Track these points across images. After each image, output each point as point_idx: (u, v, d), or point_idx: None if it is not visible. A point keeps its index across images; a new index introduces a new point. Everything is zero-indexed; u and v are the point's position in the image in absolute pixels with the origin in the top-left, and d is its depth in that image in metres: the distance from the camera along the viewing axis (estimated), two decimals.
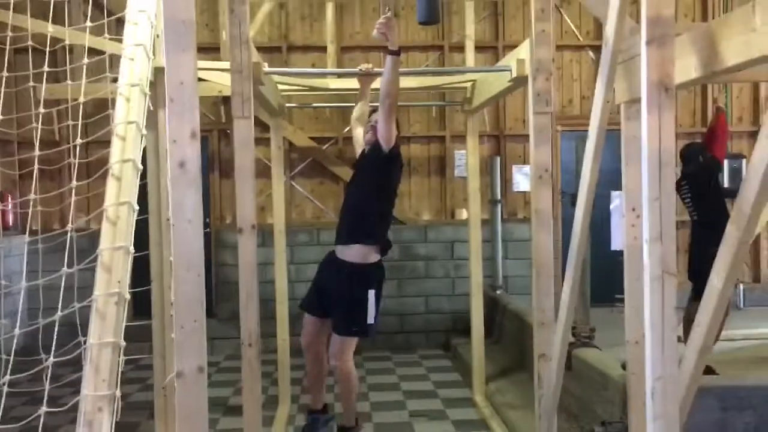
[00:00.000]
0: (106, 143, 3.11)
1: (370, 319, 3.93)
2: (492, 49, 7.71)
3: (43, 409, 2.71)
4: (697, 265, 5.03)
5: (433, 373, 6.47)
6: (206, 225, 7.20)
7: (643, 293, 2.32)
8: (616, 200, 4.79)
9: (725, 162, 7.51)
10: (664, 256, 2.28)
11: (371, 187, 3.99)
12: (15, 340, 3.32)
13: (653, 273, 2.28)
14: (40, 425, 2.61)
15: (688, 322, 4.79)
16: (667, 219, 2.28)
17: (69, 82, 3.73)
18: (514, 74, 3.73)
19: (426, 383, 6.13)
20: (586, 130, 3.05)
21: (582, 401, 4.35)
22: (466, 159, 5.64)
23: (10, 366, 3.03)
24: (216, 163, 7.60)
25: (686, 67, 2.58)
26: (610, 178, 4.60)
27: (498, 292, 7.44)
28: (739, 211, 2.24)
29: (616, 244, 4.18)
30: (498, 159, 7.63)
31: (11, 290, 6.17)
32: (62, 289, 3.03)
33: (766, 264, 7.93)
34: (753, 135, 7.72)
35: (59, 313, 3.03)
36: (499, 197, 7.59)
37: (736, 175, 7.59)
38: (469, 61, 6.06)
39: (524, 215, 7.61)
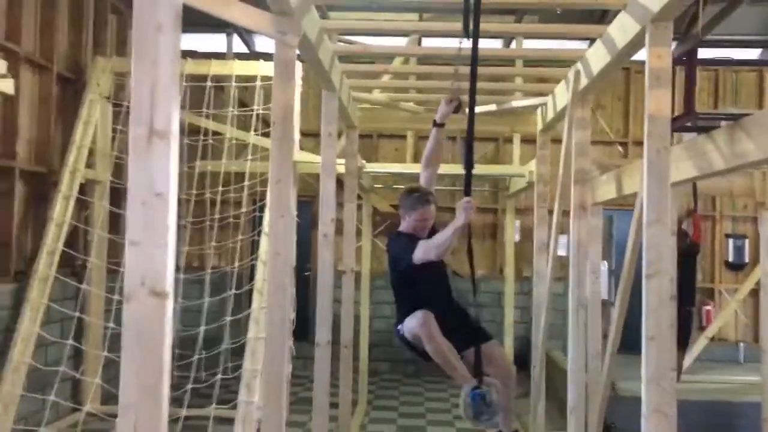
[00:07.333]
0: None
1: None
2: None
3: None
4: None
5: None
6: (308, 269, 9.30)
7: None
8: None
9: (731, 240, 9.19)
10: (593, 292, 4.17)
11: None
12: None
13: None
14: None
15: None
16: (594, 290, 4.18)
17: (223, 161, 6.21)
18: (527, 179, 5.67)
19: None
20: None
21: None
22: (507, 229, 7.58)
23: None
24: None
25: (684, 169, 3.59)
26: None
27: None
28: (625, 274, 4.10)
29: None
30: None
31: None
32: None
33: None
34: (754, 220, 9.33)
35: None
36: None
37: (739, 251, 9.19)
38: (516, 151, 8.00)
39: (560, 275, 9.35)
